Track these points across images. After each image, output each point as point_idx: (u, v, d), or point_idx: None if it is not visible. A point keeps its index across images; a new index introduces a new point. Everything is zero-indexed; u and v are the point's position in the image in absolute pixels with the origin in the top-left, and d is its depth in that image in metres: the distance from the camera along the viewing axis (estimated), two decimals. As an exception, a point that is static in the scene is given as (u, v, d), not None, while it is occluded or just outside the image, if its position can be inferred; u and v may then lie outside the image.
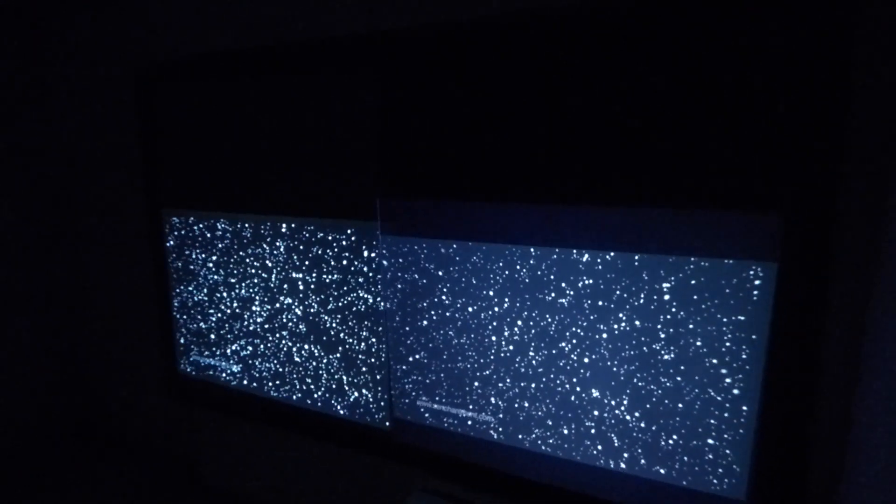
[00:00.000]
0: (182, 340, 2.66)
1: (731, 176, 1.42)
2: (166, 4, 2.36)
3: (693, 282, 1.52)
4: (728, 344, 1.51)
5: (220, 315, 2.49)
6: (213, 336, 2.55)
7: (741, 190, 1.41)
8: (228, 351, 2.51)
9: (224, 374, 2.56)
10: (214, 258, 2.43)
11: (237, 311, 2.43)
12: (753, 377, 1.49)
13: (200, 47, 2.30)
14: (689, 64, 1.42)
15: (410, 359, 2.04)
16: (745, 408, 1.52)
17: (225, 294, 2.45)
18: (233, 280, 2.40)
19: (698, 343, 1.54)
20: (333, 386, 2.25)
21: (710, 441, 1.58)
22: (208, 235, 2.43)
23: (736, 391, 1.52)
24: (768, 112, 1.35)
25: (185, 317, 2.62)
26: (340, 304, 2.15)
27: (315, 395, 2.31)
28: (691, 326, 1.54)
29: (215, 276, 2.45)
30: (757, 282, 1.44)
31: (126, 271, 2.88)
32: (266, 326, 2.36)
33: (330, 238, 2.11)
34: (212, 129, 2.30)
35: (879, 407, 1.23)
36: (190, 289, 2.56)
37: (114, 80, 2.62)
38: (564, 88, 1.59)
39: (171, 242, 2.56)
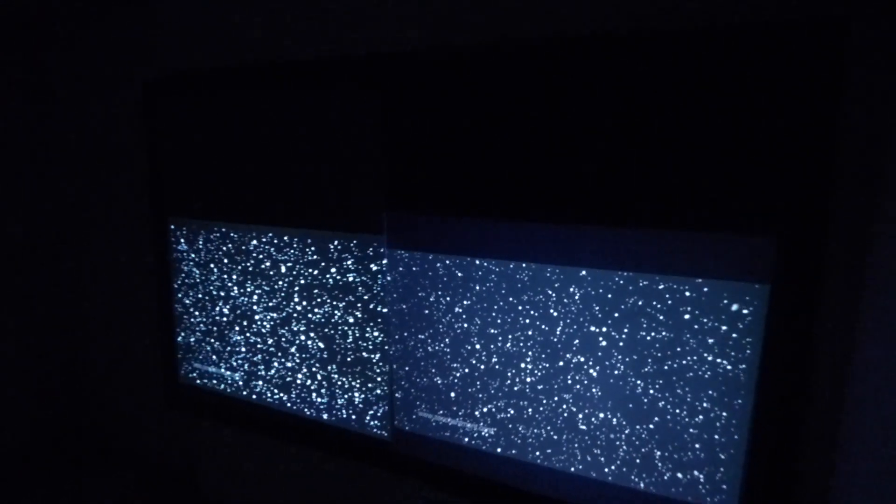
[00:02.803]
0: (183, 348, 2.69)
1: (727, 201, 1.50)
2: (178, 17, 2.42)
3: (688, 302, 1.59)
4: (721, 362, 1.57)
5: (221, 324, 2.52)
6: (214, 345, 2.57)
7: (736, 214, 1.49)
8: (229, 360, 2.54)
9: (224, 383, 2.58)
10: (219, 267, 2.47)
11: (239, 320, 2.46)
12: (746, 395, 1.56)
13: (209, 61, 2.36)
14: (686, 95, 1.50)
15: (412, 371, 2.09)
16: (737, 425, 1.58)
17: (227, 303, 2.48)
18: (236, 289, 2.44)
19: (692, 361, 1.61)
20: (335, 396, 2.28)
21: (701, 456, 1.64)
22: (216, 245, 2.47)
23: (728, 408, 1.59)
24: (762, 140, 1.43)
25: (186, 325, 2.64)
26: (345, 315, 2.19)
27: (317, 406, 2.34)
28: (685, 345, 1.61)
29: (219, 285, 2.49)
30: (750, 302, 1.51)
31: (128, 279, 2.90)
32: (269, 339, 2.40)
33: (336, 250, 2.17)
34: (222, 141, 2.36)
35: (866, 429, 1.30)
36: (193, 297, 2.59)
37: (123, 90, 2.66)
38: (566, 113, 1.67)
39: (176, 250, 2.60)
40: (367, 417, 2.23)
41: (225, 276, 2.46)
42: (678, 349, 1.62)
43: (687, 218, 1.55)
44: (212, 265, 2.49)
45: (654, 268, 1.62)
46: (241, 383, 2.53)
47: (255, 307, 2.41)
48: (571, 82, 1.65)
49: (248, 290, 2.41)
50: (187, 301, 2.61)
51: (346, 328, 2.21)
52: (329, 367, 2.27)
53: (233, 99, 2.30)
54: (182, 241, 2.57)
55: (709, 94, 1.48)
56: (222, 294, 2.49)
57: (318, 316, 2.26)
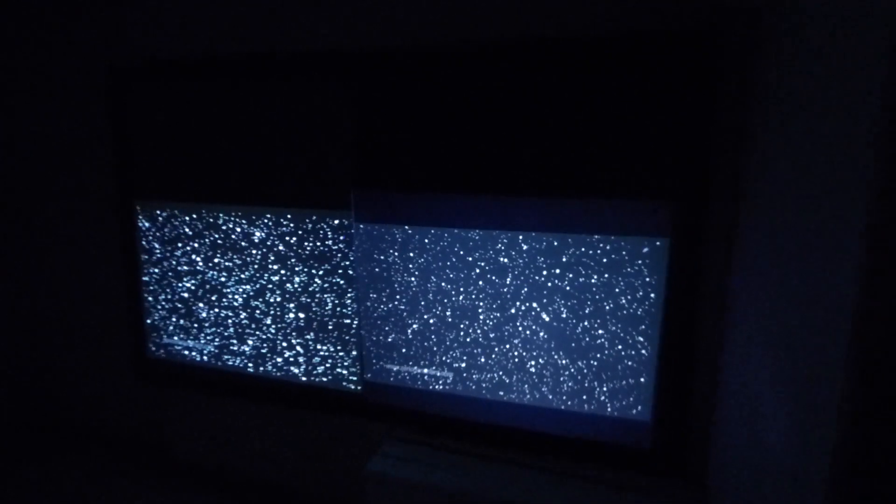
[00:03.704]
0: (151, 323, 2.83)
1: (636, 177, 1.88)
2: (145, 4, 2.51)
3: (611, 253, 1.97)
4: (636, 300, 1.98)
5: (193, 296, 2.69)
6: (184, 318, 2.74)
7: (643, 186, 1.89)
8: (200, 330, 2.72)
9: (196, 354, 2.76)
10: (189, 244, 2.63)
11: (213, 292, 2.65)
12: (655, 326, 1.97)
13: (178, 49, 2.48)
14: (600, 100, 1.87)
15: (378, 328, 2.38)
16: (649, 351, 2.00)
17: (200, 276, 2.66)
18: (209, 263, 2.62)
19: (616, 301, 2.00)
20: (311, 357, 2.54)
21: (627, 377, 2.05)
22: (183, 222, 2.62)
23: (642, 338, 2.00)
24: (659, 133, 1.83)
25: (154, 299, 2.78)
26: (317, 283, 2.44)
27: (293, 369, 2.59)
28: (611, 288, 2.00)
29: (187, 260, 2.65)
30: (656, 252, 1.92)
31: (92, 260, 2.97)
32: (243, 312, 2.60)
33: (307, 226, 2.40)
34: (195, 127, 2.50)
35: (738, 344, 1.73)
36: (161, 274, 2.73)
37: (90, 76, 2.70)
38: (505, 105, 2.00)
39: (143, 230, 2.72)
40: (340, 373, 2.51)
41: (194, 252, 2.63)
42: (603, 291, 2.01)
43: (607, 189, 1.93)
44: (179, 242, 2.65)
45: (584, 229, 1.99)
46: (214, 352, 2.72)
47: (228, 279, 2.60)
48: (507, 80, 1.99)
49: (219, 262, 2.60)
50: (154, 278, 2.75)
51: (318, 294, 2.46)
52: (305, 332, 2.52)
53: (207, 88, 2.45)
54: (147, 220, 2.70)
55: (615, 98, 1.86)
56: (189, 269, 2.66)
57: (293, 285, 2.49)
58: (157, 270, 2.75)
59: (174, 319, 2.78)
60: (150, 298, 2.80)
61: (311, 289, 2.47)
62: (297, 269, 2.47)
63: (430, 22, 2.08)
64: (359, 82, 2.20)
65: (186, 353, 2.79)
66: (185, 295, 2.71)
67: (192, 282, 2.68)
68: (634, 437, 2.08)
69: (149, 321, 2.83)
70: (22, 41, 2.81)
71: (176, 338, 2.79)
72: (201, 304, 2.69)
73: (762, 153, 1.58)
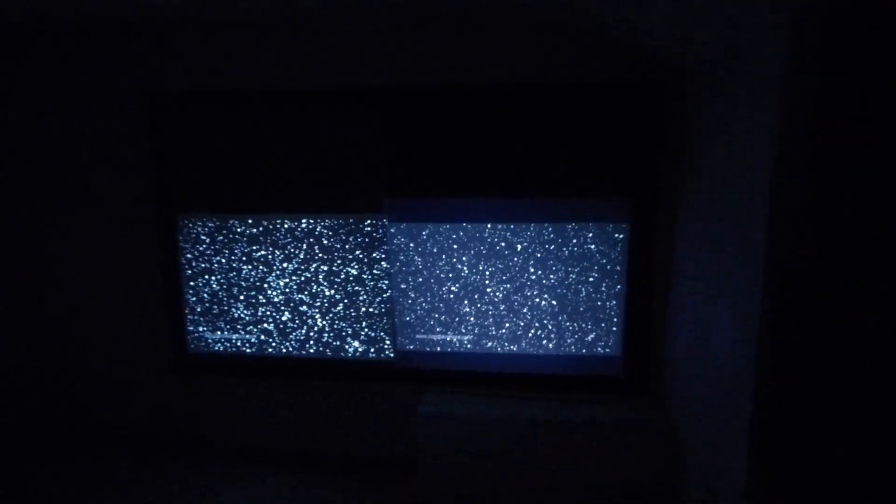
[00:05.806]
0: (193, 319, 3.25)
1: (608, 185, 2.68)
2: (186, 44, 2.97)
3: (589, 235, 2.75)
4: (608, 268, 2.77)
5: (242, 293, 3.17)
6: (218, 317, 3.20)
7: (612, 190, 2.68)
8: (251, 323, 3.19)
9: (245, 344, 3.22)
10: (245, 249, 3.11)
11: (252, 288, 3.14)
12: (621, 287, 2.77)
13: (217, 82, 2.96)
14: (573, 133, 2.64)
15: (408, 305, 3.01)
16: (617, 306, 2.79)
17: (246, 275, 3.14)
18: (251, 261, 3.11)
19: (593, 269, 2.78)
20: (352, 334, 3.11)
21: (602, 325, 2.83)
22: (244, 231, 3.10)
23: (614, 296, 2.79)
24: (623, 152, 2.63)
25: (198, 299, 3.22)
26: (357, 270, 3.02)
27: (344, 347, 3.14)
28: (588, 260, 2.78)
29: (237, 264, 3.13)
30: (620, 234, 2.72)
31: (136, 269, 3.31)
32: (289, 299, 3.12)
33: (348, 226, 2.99)
34: (251, 149, 3.00)
35: (681, 299, 2.55)
36: (208, 276, 3.18)
37: (151, 99, 3.08)
38: (503, 131, 2.73)
39: (191, 238, 3.16)
40: (376, 346, 3.10)
41: (245, 254, 3.11)
42: (584, 262, 2.79)
43: (587, 192, 2.71)
44: (227, 242, 3.12)
45: (573, 218, 2.76)
46: (256, 341, 3.20)
47: (270, 275, 3.11)
48: (508, 114, 2.71)
49: (266, 260, 3.10)
50: (201, 280, 3.19)
51: (357, 279, 3.04)
52: (345, 312, 3.09)
53: (260, 117, 2.96)
54: (197, 228, 3.14)
55: (591, 128, 2.65)
56: (240, 267, 3.14)
57: (335, 272, 3.05)
58: (202, 274, 3.18)
59: (211, 316, 3.22)
60: (192, 297, 3.22)
61: (351, 275, 3.04)
62: (331, 264, 3.03)
63: (447, 66, 2.76)
64: (387, 114, 2.85)
65: (234, 343, 3.24)
66: (221, 294, 3.17)
67: (225, 280, 3.15)
68: (610, 369, 2.87)
69: (190, 315, 3.25)
70: (76, 75, 3.13)
71: (222, 331, 3.23)
72: (238, 302, 3.17)
73: (693, 167, 2.41)
